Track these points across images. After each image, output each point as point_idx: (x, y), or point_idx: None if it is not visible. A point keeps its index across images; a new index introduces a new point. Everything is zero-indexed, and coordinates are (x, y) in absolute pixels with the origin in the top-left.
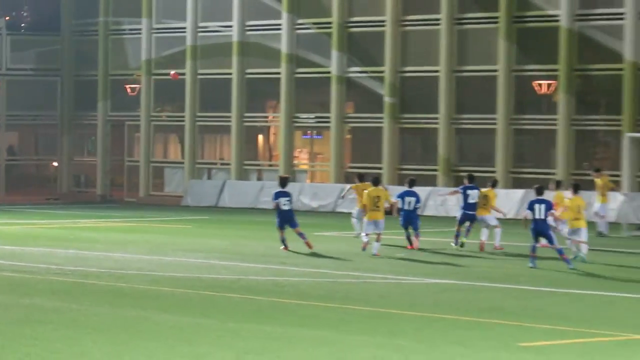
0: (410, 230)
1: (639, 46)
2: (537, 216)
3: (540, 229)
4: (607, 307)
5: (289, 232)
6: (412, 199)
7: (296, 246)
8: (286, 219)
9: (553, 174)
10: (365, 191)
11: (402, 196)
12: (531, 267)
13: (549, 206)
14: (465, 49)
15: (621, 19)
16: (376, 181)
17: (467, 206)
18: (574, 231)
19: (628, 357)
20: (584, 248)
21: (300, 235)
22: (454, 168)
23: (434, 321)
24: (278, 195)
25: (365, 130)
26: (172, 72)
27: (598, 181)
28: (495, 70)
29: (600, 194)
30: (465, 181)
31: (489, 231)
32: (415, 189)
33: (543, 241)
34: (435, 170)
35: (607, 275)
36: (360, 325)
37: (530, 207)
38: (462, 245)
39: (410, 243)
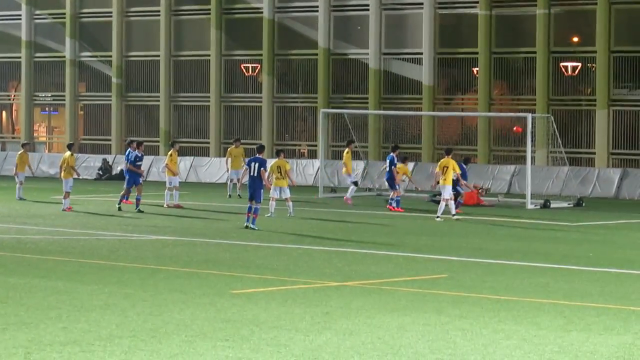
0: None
1: (330, 35)
2: (251, 173)
3: (252, 185)
4: (306, 258)
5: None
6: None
7: (39, 207)
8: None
9: (259, 144)
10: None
11: (249, 162)
12: (249, 227)
13: (262, 164)
14: (181, 37)
15: (315, 11)
16: (70, 146)
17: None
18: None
19: (324, 301)
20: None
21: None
22: (173, 139)
23: (157, 272)
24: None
25: (96, 107)
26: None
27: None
28: (207, 55)
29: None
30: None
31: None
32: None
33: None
34: (157, 141)
35: (305, 230)
36: (93, 276)
37: (248, 164)
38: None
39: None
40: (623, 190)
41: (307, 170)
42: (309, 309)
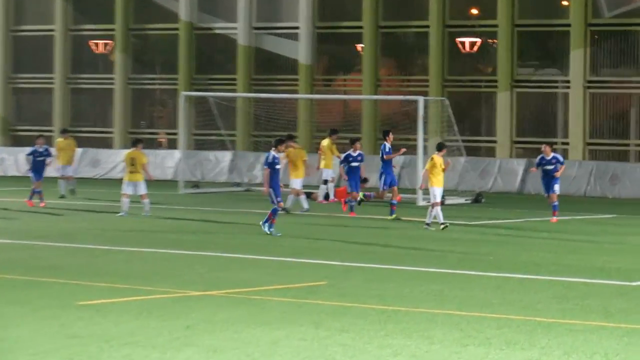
0: None
1: (193, 7)
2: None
3: None
4: (164, 264)
5: None
6: None
7: None
8: None
9: (111, 132)
10: None
11: None
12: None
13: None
14: (21, 9)
15: None
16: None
17: None
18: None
19: (185, 313)
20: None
21: None
22: (12, 127)
23: None
24: None
25: None
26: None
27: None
28: (52, 30)
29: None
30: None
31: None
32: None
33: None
34: None
35: (163, 232)
36: None
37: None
38: None
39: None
40: (528, 184)
41: (166, 162)
42: (167, 323)
